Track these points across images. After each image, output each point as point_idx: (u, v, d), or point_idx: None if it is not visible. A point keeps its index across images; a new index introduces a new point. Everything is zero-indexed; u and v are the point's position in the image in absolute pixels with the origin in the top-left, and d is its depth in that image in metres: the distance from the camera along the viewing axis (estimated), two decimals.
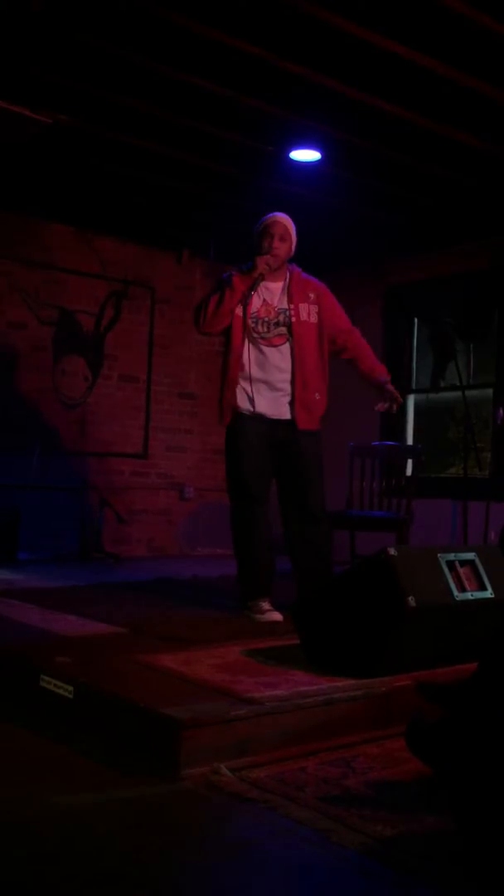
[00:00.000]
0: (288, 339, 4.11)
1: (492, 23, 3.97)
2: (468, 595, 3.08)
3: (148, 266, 7.45)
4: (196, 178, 5.96)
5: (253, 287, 4.08)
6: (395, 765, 2.51)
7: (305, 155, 5.48)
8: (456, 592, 3.05)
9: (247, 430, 4.12)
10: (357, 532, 5.55)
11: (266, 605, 4.05)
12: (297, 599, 3.45)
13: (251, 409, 4.11)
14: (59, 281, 6.94)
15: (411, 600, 2.85)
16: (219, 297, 4.09)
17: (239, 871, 1.94)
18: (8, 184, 6.09)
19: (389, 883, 1.87)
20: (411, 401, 7.52)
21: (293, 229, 4.17)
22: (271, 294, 4.14)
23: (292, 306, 4.12)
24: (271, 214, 4.18)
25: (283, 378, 4.12)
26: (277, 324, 4.12)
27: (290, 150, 5.42)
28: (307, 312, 4.15)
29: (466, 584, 3.10)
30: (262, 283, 4.11)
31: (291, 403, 4.12)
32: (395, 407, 4.37)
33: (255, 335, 4.10)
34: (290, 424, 4.13)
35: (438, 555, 3.11)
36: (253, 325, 4.10)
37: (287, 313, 4.12)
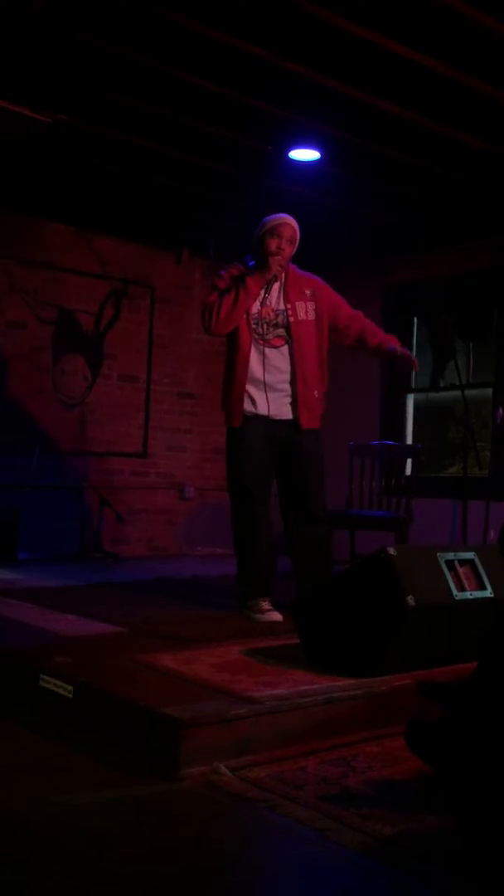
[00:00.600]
0: (287, 340, 4.11)
1: (492, 23, 3.97)
2: (467, 594, 3.08)
3: (147, 265, 7.45)
4: (196, 178, 5.96)
5: (267, 289, 4.08)
6: (394, 764, 2.51)
7: (305, 154, 5.48)
8: (455, 592, 3.05)
9: (249, 430, 4.12)
10: (357, 531, 5.55)
11: (266, 605, 4.05)
12: (296, 599, 3.45)
13: (253, 411, 4.11)
14: (58, 280, 6.94)
15: (411, 600, 2.85)
16: (234, 299, 4.04)
17: (239, 870, 1.94)
18: (8, 183, 6.08)
19: (389, 882, 1.87)
20: (411, 400, 7.52)
21: (298, 232, 4.16)
22: (270, 295, 4.14)
23: (289, 306, 4.11)
24: (279, 215, 4.13)
25: (283, 379, 4.12)
26: (276, 325, 4.11)
27: (289, 150, 5.42)
28: (304, 310, 4.14)
29: (466, 583, 3.10)
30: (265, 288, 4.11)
31: (293, 404, 4.12)
32: (416, 365, 4.36)
33: (255, 336, 4.10)
34: (291, 424, 4.14)
35: (438, 554, 3.11)
36: (254, 326, 4.10)
37: (285, 314, 4.11)
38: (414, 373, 7.49)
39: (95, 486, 6.90)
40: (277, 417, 4.11)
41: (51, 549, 6.61)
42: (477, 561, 3.19)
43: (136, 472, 7.37)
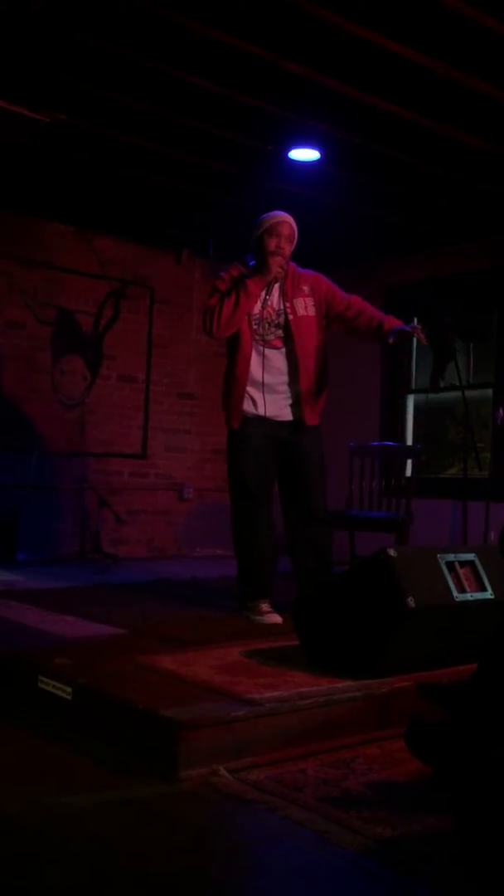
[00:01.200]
0: (287, 341, 4.10)
1: (492, 23, 3.96)
2: (468, 596, 3.07)
3: (147, 266, 7.44)
4: (196, 178, 5.95)
5: (268, 291, 4.07)
6: (394, 765, 2.51)
7: (305, 154, 5.47)
8: (455, 593, 3.04)
9: (250, 432, 4.11)
10: (356, 532, 5.54)
11: (266, 607, 4.04)
12: (296, 600, 3.45)
13: (253, 412, 4.10)
14: (57, 280, 6.94)
15: (411, 601, 2.85)
16: (235, 301, 4.03)
17: (238, 872, 1.93)
18: (7, 183, 6.08)
19: (389, 884, 1.87)
20: (411, 401, 7.52)
21: (296, 229, 4.15)
22: (270, 296, 4.12)
23: (288, 304, 4.10)
24: (276, 213, 4.12)
25: (282, 380, 4.11)
26: (277, 325, 4.11)
27: (289, 150, 5.42)
28: (303, 306, 4.13)
29: (466, 584, 3.09)
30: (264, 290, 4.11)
31: (296, 403, 4.11)
32: (422, 333, 4.17)
33: (256, 337, 4.09)
34: (291, 424, 4.13)
35: (438, 555, 3.10)
36: (255, 327, 4.09)
37: (284, 313, 4.11)
38: (413, 373, 7.50)
39: (95, 486, 6.90)
40: (276, 419, 4.11)
41: (50, 550, 6.61)
42: (477, 562, 3.18)
43: (135, 473, 7.36)
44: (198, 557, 7.41)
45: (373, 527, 5.50)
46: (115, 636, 3.65)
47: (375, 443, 6.44)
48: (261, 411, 4.09)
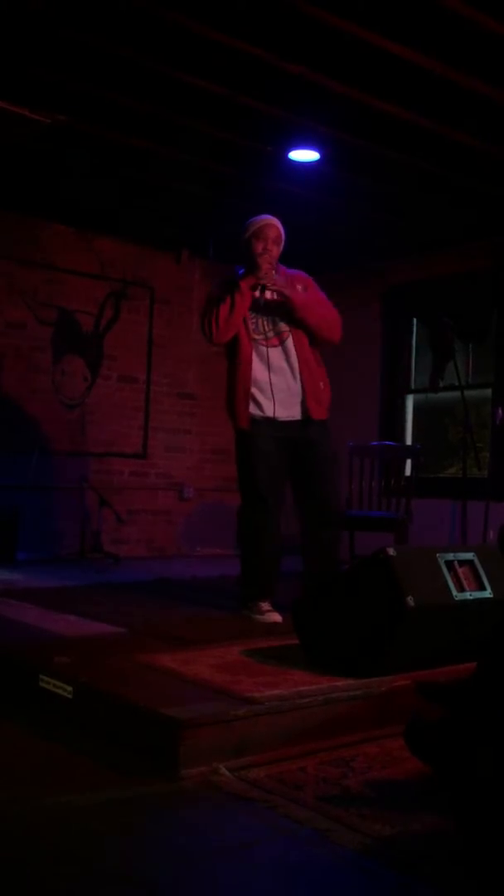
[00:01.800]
0: (287, 337, 4.10)
1: (492, 23, 3.97)
2: (467, 595, 3.08)
3: (147, 266, 7.45)
4: (195, 179, 5.95)
5: (262, 291, 4.06)
6: (394, 764, 2.51)
7: (304, 155, 5.47)
8: (455, 592, 3.05)
9: (259, 434, 4.10)
10: (356, 532, 5.55)
11: (266, 606, 4.05)
12: (296, 599, 3.45)
13: (260, 414, 4.10)
14: (58, 281, 6.95)
15: (410, 600, 2.85)
16: (230, 304, 4.04)
17: (238, 871, 1.94)
18: (7, 184, 6.09)
19: (389, 882, 1.87)
20: (410, 401, 7.53)
21: (283, 231, 4.15)
22: (264, 296, 4.12)
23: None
24: (262, 217, 4.14)
25: (287, 378, 4.11)
26: (275, 323, 4.11)
27: (289, 150, 5.42)
28: None
29: (465, 584, 3.10)
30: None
31: (303, 400, 4.11)
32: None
33: (255, 338, 4.10)
34: (300, 423, 4.13)
35: (437, 555, 3.11)
36: (253, 328, 4.10)
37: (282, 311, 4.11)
38: (413, 373, 7.51)
39: (95, 486, 6.90)
40: (284, 419, 4.11)
41: (50, 550, 6.62)
42: (476, 561, 3.19)
43: (135, 473, 7.37)
44: (198, 557, 7.41)
45: (372, 526, 5.50)
46: (115, 635, 3.65)
47: (375, 442, 6.45)
48: (268, 412, 4.09)
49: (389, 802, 2.25)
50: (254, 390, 4.10)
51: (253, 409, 4.10)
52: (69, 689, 2.86)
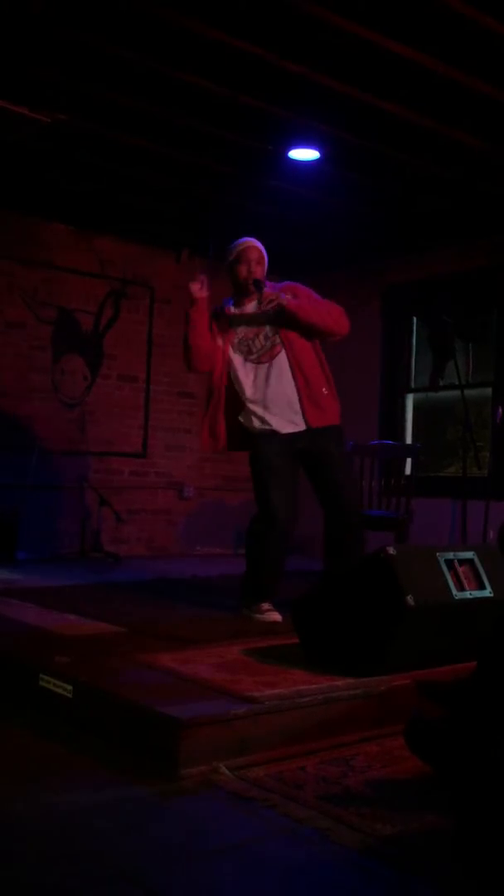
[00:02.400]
0: (278, 352, 4.08)
1: (492, 23, 3.97)
2: (467, 594, 3.08)
3: (147, 265, 7.45)
4: (196, 178, 5.95)
5: (243, 308, 4.11)
6: (394, 763, 2.51)
7: (304, 154, 5.48)
8: (455, 591, 3.05)
9: (267, 450, 4.07)
10: None
11: (266, 605, 4.05)
12: (296, 598, 3.45)
13: (269, 427, 4.08)
14: (58, 280, 6.95)
15: (410, 599, 2.86)
16: (187, 328, 4.09)
17: (239, 870, 1.94)
18: (8, 183, 6.09)
19: (389, 881, 1.88)
20: (410, 400, 7.53)
21: (265, 253, 4.16)
22: (243, 310, 4.15)
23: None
24: (241, 240, 4.16)
25: (283, 391, 4.07)
26: (266, 338, 4.11)
27: (289, 150, 5.42)
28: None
29: (465, 583, 3.10)
30: (240, 309, 4.14)
31: (301, 410, 4.08)
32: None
33: (249, 358, 4.11)
34: (304, 435, 4.10)
35: (437, 554, 3.11)
36: (242, 348, 4.11)
37: (271, 326, 4.10)
38: (413, 372, 7.51)
39: (95, 486, 6.90)
40: (287, 431, 4.09)
41: (50, 549, 6.62)
42: (476, 560, 3.19)
43: (135, 472, 7.37)
44: (198, 556, 7.41)
45: (372, 526, 5.49)
46: (115, 634, 3.65)
47: (375, 442, 6.45)
48: (273, 426, 4.08)
49: (389, 801, 2.25)
50: (254, 407, 4.09)
51: (257, 423, 4.10)
52: (69, 688, 2.86)
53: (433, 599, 2.96)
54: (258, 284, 4.04)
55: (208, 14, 3.95)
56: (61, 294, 6.97)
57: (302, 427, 4.09)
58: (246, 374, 4.12)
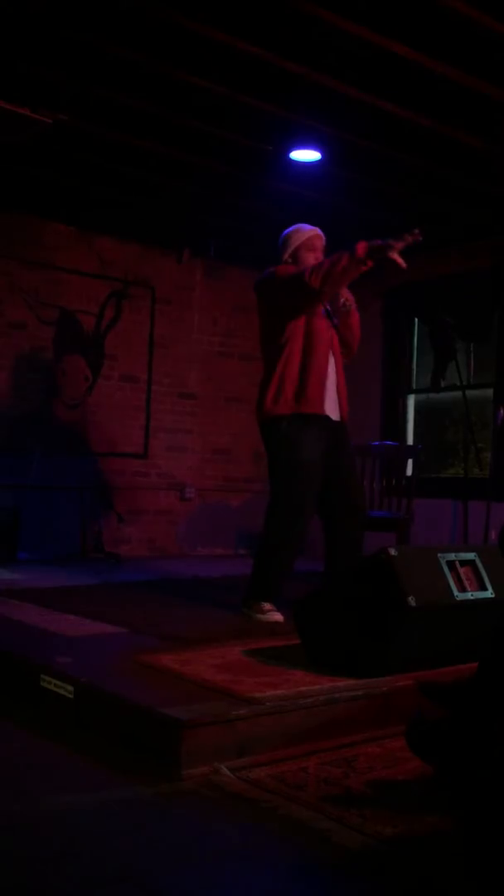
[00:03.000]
0: (337, 344, 4.20)
1: (492, 23, 3.97)
2: (468, 595, 3.08)
3: (148, 266, 7.45)
4: (196, 179, 5.95)
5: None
6: (395, 764, 2.51)
7: (305, 155, 5.47)
8: (456, 592, 3.05)
9: (310, 437, 4.02)
10: None
11: (268, 606, 4.04)
12: (297, 599, 3.45)
13: (320, 411, 4.06)
14: (59, 281, 6.94)
15: (411, 600, 2.85)
16: (354, 269, 4.03)
17: (239, 871, 1.94)
18: (8, 183, 6.09)
19: (390, 882, 1.87)
20: (411, 401, 7.53)
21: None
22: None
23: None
24: (304, 228, 4.24)
25: (338, 377, 4.17)
26: (327, 328, 4.18)
27: (290, 150, 5.42)
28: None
29: (467, 583, 3.10)
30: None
31: (339, 401, 4.16)
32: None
33: (323, 337, 4.15)
34: (338, 425, 4.16)
35: (439, 555, 3.11)
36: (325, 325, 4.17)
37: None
38: (414, 373, 7.51)
39: (96, 486, 6.90)
40: (335, 419, 4.14)
41: (51, 550, 6.62)
42: (478, 561, 3.19)
43: (136, 473, 7.37)
44: (199, 557, 7.41)
45: (373, 526, 5.49)
46: (116, 635, 3.66)
47: (376, 442, 6.44)
48: (326, 410, 4.08)
49: (391, 802, 2.25)
50: (316, 383, 4.04)
51: (311, 406, 4.02)
52: (70, 688, 2.86)
53: (435, 600, 2.96)
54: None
55: (209, 14, 3.95)
56: (62, 295, 6.97)
57: (338, 418, 4.16)
58: (324, 351, 4.11)
